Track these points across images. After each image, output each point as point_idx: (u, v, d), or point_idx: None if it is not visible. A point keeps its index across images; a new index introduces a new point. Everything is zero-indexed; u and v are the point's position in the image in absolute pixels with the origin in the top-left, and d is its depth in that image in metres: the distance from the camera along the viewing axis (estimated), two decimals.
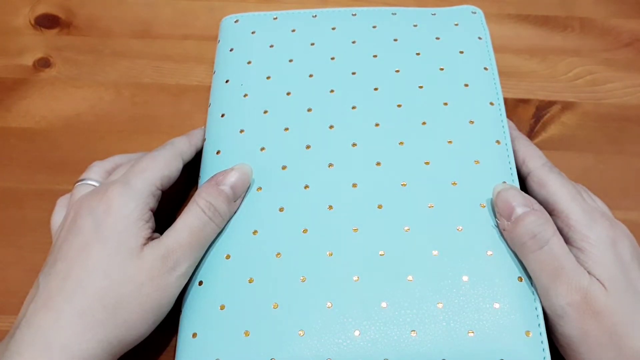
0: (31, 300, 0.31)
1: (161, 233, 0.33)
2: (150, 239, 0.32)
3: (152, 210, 0.34)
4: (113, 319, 0.30)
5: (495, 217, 0.34)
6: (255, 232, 0.35)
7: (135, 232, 0.32)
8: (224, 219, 0.34)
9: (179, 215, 0.34)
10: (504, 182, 0.35)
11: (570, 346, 0.31)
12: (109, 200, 0.32)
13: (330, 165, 0.37)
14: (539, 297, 0.32)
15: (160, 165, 0.35)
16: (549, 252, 0.31)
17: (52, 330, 0.29)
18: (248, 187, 0.36)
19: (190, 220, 0.33)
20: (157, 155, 0.35)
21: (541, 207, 0.33)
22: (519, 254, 0.32)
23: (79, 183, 0.36)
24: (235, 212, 0.35)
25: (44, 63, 0.47)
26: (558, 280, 0.31)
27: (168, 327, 0.36)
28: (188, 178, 0.40)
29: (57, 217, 0.35)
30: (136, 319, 0.31)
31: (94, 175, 0.36)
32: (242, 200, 0.35)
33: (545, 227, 0.32)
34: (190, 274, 0.33)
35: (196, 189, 0.38)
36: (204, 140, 0.40)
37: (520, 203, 0.33)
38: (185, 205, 0.40)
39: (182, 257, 0.32)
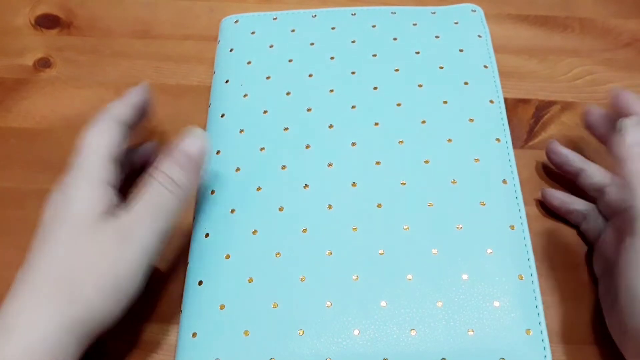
0: None
1: None
2: (110, 214, 0.32)
3: (109, 184, 0.33)
4: (70, 298, 0.29)
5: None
6: (254, 231, 0.35)
7: (89, 209, 0.31)
8: (183, 189, 0.33)
9: None
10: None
11: None
12: (65, 187, 0.32)
13: (330, 164, 0.37)
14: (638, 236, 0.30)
15: (101, 137, 0.34)
16: None
17: (11, 316, 0.29)
18: (205, 151, 0.34)
19: (146, 191, 0.32)
20: (92, 128, 0.34)
21: None
22: (636, 181, 0.31)
23: None
24: (198, 181, 0.34)
25: (44, 63, 0.47)
26: None
27: (168, 327, 0.36)
28: None
29: None
30: (93, 297, 0.30)
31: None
32: (202, 168, 0.34)
33: None
34: (152, 249, 0.31)
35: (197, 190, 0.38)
36: None
37: None
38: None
39: (138, 229, 0.31)
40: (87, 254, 0.30)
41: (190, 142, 0.34)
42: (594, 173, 0.38)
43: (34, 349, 0.28)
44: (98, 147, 0.33)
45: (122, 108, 0.36)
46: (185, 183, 0.33)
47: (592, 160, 0.39)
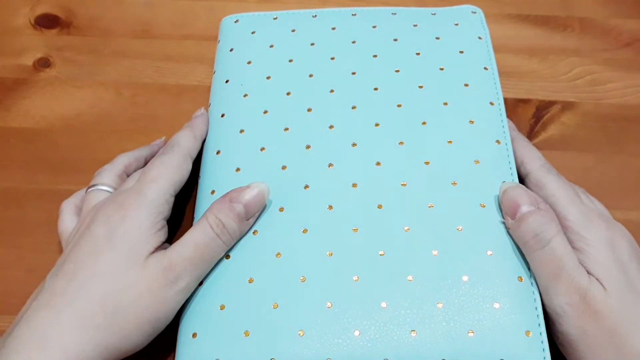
0: (34, 299, 0.31)
1: (167, 240, 0.33)
2: (161, 248, 0.32)
3: (165, 219, 0.34)
4: (110, 326, 0.30)
5: (501, 215, 0.34)
6: (255, 232, 0.35)
7: (144, 241, 0.32)
8: (233, 238, 0.33)
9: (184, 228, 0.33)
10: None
11: (571, 345, 0.31)
12: (124, 210, 0.32)
13: (330, 165, 0.37)
14: (540, 296, 0.32)
15: (172, 172, 0.34)
16: (549, 252, 0.31)
17: (50, 329, 0.29)
18: (263, 205, 0.34)
19: (197, 235, 0.32)
20: (167, 160, 0.35)
21: (547, 205, 0.33)
22: (524, 252, 0.33)
23: (92, 189, 0.36)
24: (247, 232, 0.34)
25: (44, 63, 0.47)
26: (558, 279, 0.31)
27: (168, 327, 0.36)
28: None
29: (66, 224, 0.35)
30: (132, 329, 0.30)
31: (105, 180, 0.36)
32: (255, 219, 0.34)
33: (548, 226, 0.32)
34: (192, 289, 0.32)
35: (196, 188, 0.38)
36: (204, 140, 0.40)
37: (525, 202, 0.33)
38: (187, 206, 0.40)
39: (184, 271, 0.31)
40: (135, 288, 0.30)
41: (251, 193, 0.34)
42: None
43: None
44: (167, 181, 0.34)
45: (194, 143, 0.37)
46: (237, 233, 0.33)
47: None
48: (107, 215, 0.32)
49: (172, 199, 0.34)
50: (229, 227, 0.33)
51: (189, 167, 0.36)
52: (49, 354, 0.28)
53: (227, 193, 0.34)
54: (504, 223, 0.34)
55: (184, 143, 0.37)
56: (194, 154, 0.37)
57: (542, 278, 0.32)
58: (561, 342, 0.32)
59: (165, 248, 0.32)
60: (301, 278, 0.33)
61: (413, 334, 0.31)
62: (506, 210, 0.33)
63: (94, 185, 0.36)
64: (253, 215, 0.34)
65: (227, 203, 0.33)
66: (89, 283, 0.30)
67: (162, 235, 0.33)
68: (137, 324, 0.30)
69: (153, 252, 0.32)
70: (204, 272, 0.33)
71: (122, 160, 0.37)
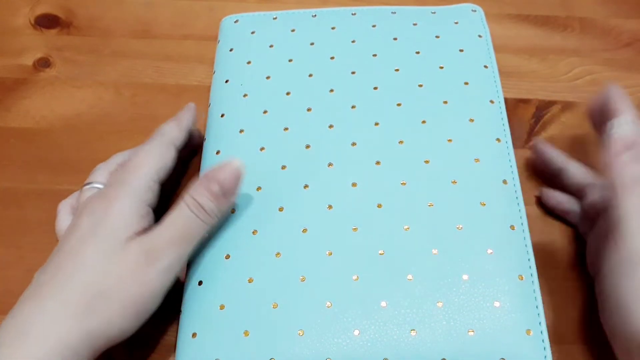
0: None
1: None
2: (142, 233, 0.32)
3: (149, 206, 0.34)
4: (94, 312, 0.30)
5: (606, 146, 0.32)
6: (255, 231, 0.35)
7: (126, 227, 0.32)
8: (212, 216, 0.33)
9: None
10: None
11: None
12: (108, 201, 0.33)
13: (330, 164, 0.37)
14: (626, 241, 0.30)
15: (155, 160, 0.35)
16: None
17: (34, 319, 0.29)
18: (239, 182, 0.34)
19: (176, 216, 0.33)
20: (149, 149, 0.35)
21: None
22: (619, 191, 0.31)
23: (86, 187, 0.36)
24: (230, 208, 0.35)
25: (44, 63, 0.47)
26: None
27: (168, 327, 0.36)
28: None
29: (62, 223, 0.36)
30: (116, 313, 0.30)
31: (99, 178, 0.36)
32: (235, 196, 0.34)
33: None
34: (175, 271, 0.33)
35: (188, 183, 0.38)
36: (204, 139, 0.40)
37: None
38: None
39: (164, 252, 0.32)
40: (117, 272, 0.31)
41: (225, 171, 0.33)
42: (575, 173, 0.38)
43: (47, 358, 0.28)
44: (150, 169, 0.34)
45: (178, 132, 0.37)
46: (215, 211, 0.33)
47: (594, 160, 0.39)
48: (92, 208, 0.33)
49: (156, 186, 0.34)
50: (206, 207, 0.33)
51: (172, 155, 0.36)
52: (33, 344, 0.28)
53: (204, 174, 0.34)
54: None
55: (168, 132, 0.37)
56: (178, 143, 0.37)
57: (637, 219, 0.30)
58: (634, 292, 0.29)
59: (147, 232, 0.33)
60: (301, 278, 0.33)
61: (413, 334, 0.31)
62: (616, 145, 0.31)
63: (88, 184, 0.36)
64: (231, 192, 0.34)
65: (203, 183, 0.33)
66: (73, 273, 0.30)
67: (146, 222, 0.33)
68: (121, 307, 0.30)
69: (134, 237, 0.32)
70: (186, 252, 0.33)
71: (117, 159, 0.38)
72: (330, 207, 0.35)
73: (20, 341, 0.28)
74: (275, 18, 0.44)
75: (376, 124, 0.38)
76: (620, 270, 0.30)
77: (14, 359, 0.28)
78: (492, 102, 0.39)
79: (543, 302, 0.32)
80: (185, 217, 0.33)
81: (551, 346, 0.31)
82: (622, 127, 0.32)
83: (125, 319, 0.31)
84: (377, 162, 0.37)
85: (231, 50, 0.43)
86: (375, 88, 0.40)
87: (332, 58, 0.41)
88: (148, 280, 0.31)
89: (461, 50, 0.41)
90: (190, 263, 0.35)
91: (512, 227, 0.34)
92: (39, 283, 0.31)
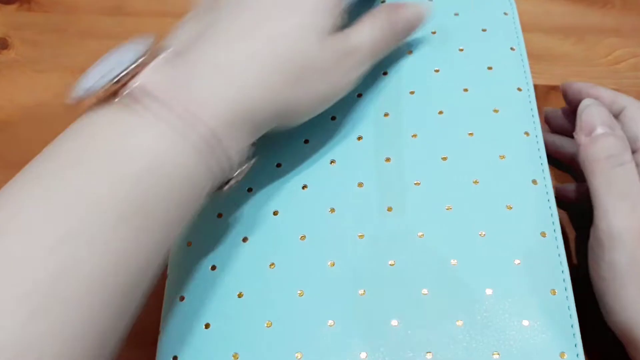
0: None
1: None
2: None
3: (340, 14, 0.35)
4: (288, 80, 0.31)
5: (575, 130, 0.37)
6: (245, 239, 0.35)
7: (328, 15, 0.33)
8: (398, 39, 0.38)
9: None
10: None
11: (615, 277, 0.33)
12: None
13: (332, 161, 0.37)
14: (596, 220, 0.34)
15: None
16: (622, 172, 0.34)
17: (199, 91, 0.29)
18: (420, 24, 0.38)
19: (371, 28, 0.35)
20: None
21: (623, 135, 0.36)
22: (587, 170, 0.35)
23: None
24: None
25: (0, 44, 0.47)
26: (624, 200, 0.33)
27: (145, 350, 0.36)
28: None
29: None
30: (305, 100, 0.33)
31: None
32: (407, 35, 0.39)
33: (625, 152, 0.35)
34: (357, 81, 0.35)
35: None
36: None
37: (604, 122, 0.36)
38: None
39: (361, 62, 0.35)
40: (318, 61, 0.33)
41: (415, 11, 0.38)
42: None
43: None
44: None
45: None
46: (399, 34, 0.38)
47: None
48: None
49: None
50: (395, 28, 0.37)
51: None
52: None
53: (391, 4, 0.38)
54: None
55: None
56: None
57: (604, 198, 0.34)
58: (602, 274, 0.34)
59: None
60: (299, 292, 0.33)
61: (429, 357, 0.31)
62: (582, 127, 0.36)
63: None
64: (410, 27, 0.38)
65: (396, 8, 0.37)
66: (261, 25, 0.32)
67: (340, 20, 0.35)
68: (312, 95, 0.33)
69: (330, 30, 0.33)
70: (366, 69, 0.36)
71: None
72: (332, 210, 0.35)
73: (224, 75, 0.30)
74: None
75: (386, 114, 0.38)
76: (591, 255, 0.35)
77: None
78: (519, 89, 0.39)
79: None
80: (381, 31, 0.36)
81: None
82: (589, 107, 0.37)
83: (307, 109, 0.34)
84: (387, 159, 0.37)
85: None
86: (385, 73, 0.40)
87: None
88: (347, 83, 0.34)
89: (484, 30, 0.41)
90: (170, 275, 0.35)
91: (542, 234, 0.34)
92: (218, 29, 0.31)
